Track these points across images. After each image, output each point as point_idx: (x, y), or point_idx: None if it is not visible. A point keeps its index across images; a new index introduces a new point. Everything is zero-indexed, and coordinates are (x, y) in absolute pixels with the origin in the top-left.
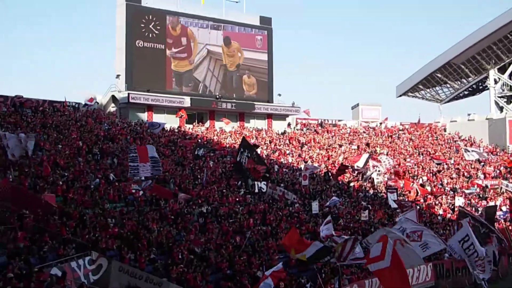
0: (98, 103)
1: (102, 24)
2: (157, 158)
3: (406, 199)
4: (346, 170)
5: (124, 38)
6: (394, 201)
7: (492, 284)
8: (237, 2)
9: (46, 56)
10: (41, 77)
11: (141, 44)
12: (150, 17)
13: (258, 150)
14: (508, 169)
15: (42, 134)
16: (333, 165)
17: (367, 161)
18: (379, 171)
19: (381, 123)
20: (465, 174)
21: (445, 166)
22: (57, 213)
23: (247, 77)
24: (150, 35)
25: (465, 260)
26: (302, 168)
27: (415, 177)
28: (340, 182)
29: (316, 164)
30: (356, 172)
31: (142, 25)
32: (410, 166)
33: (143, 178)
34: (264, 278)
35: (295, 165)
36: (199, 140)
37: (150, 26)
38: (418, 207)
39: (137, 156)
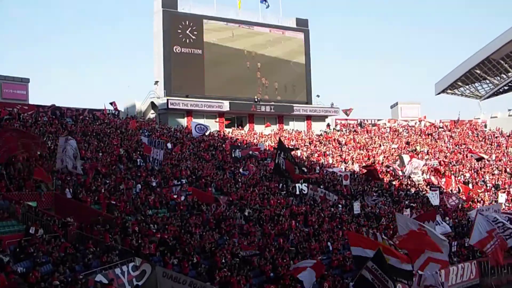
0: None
1: (139, 31)
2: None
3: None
4: (377, 170)
5: (162, 44)
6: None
7: None
8: (267, 7)
9: (85, 65)
10: (80, 86)
11: (178, 50)
12: (187, 23)
13: (298, 152)
14: None
15: (83, 142)
16: (373, 165)
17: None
18: (416, 169)
19: (420, 121)
20: (508, 170)
21: (487, 162)
22: (100, 220)
23: (284, 80)
24: (188, 41)
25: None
26: (343, 169)
27: (457, 175)
28: (381, 183)
29: (356, 166)
30: (395, 171)
31: (179, 30)
32: (451, 164)
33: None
34: (302, 269)
35: (335, 165)
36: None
37: (187, 32)
38: (460, 205)
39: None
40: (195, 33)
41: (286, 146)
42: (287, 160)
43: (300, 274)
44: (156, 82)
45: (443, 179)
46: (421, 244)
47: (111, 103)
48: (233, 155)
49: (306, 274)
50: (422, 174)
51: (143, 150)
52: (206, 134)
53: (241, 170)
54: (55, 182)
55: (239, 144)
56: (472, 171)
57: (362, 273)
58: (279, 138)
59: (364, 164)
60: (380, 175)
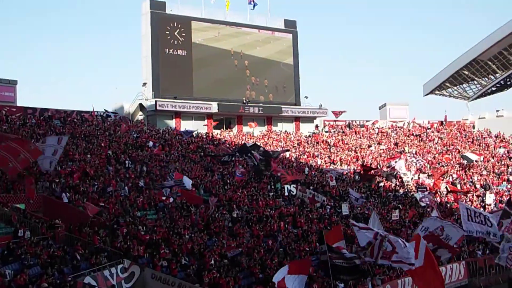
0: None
1: (127, 33)
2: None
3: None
4: (373, 172)
5: (150, 46)
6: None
7: None
8: (253, 8)
9: (73, 67)
10: (68, 88)
11: (166, 51)
12: (175, 24)
13: (287, 154)
14: None
15: (71, 144)
16: (362, 166)
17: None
18: (404, 171)
19: (410, 123)
20: (495, 170)
21: (475, 163)
22: (89, 222)
23: (272, 81)
24: (176, 42)
25: (486, 234)
26: (329, 170)
27: (445, 176)
28: (368, 184)
29: (345, 167)
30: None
31: (167, 32)
32: (440, 164)
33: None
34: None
35: (324, 167)
36: (227, 145)
37: (175, 33)
38: (448, 205)
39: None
40: (183, 34)
41: (247, 146)
42: (255, 154)
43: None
44: (144, 84)
45: (431, 180)
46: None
47: (114, 113)
48: (222, 159)
49: (290, 281)
50: (411, 175)
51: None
52: (194, 135)
53: (237, 172)
54: (43, 184)
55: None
56: (461, 171)
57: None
58: (242, 144)
59: (354, 167)
60: (375, 177)
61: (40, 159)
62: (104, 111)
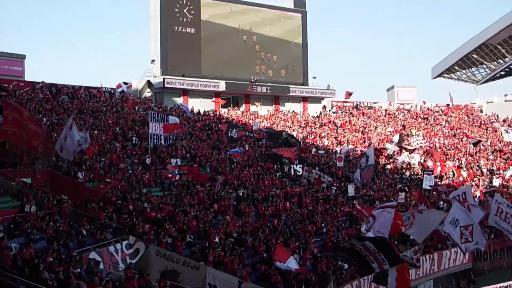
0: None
1: (136, 10)
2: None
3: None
4: (380, 153)
5: (159, 23)
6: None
7: None
8: None
9: (81, 43)
10: (76, 63)
11: (175, 29)
12: (184, 2)
13: (294, 133)
14: None
15: (79, 120)
16: (369, 147)
17: (399, 141)
18: (410, 153)
19: (417, 106)
20: (502, 155)
21: (482, 147)
22: (95, 198)
23: (281, 61)
24: (185, 20)
25: None
26: (338, 151)
27: (452, 159)
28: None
29: (351, 146)
30: (390, 155)
31: (176, 9)
32: (446, 148)
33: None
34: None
35: (330, 147)
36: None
37: (184, 11)
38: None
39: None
40: (193, 12)
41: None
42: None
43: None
44: (153, 61)
45: (438, 163)
46: None
47: (125, 83)
48: (229, 135)
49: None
50: (416, 157)
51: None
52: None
53: (237, 149)
54: (50, 159)
55: (235, 124)
56: (467, 155)
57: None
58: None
59: (361, 148)
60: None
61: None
62: (115, 87)
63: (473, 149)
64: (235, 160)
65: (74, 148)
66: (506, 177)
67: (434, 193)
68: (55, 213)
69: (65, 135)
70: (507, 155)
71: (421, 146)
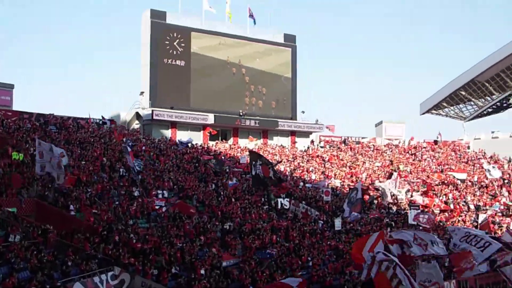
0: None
1: (127, 42)
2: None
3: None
4: (369, 189)
5: (149, 55)
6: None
7: None
8: (254, 24)
9: (70, 73)
10: (65, 94)
11: (165, 61)
12: (175, 34)
13: (282, 167)
14: None
15: (66, 150)
16: (356, 182)
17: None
18: (398, 189)
19: (405, 141)
20: (489, 191)
21: (469, 184)
22: (82, 229)
23: (270, 95)
24: (175, 52)
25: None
26: (326, 184)
27: (439, 195)
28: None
29: (338, 181)
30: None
31: (167, 42)
32: (434, 184)
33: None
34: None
35: (318, 182)
36: (222, 157)
37: (175, 43)
38: (441, 223)
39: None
40: (183, 45)
41: (259, 154)
42: (263, 166)
43: None
44: (142, 93)
45: (426, 199)
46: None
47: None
48: (214, 169)
49: None
50: (407, 192)
51: (125, 159)
52: (189, 145)
53: (230, 183)
54: (36, 189)
55: (223, 157)
56: (454, 191)
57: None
58: (249, 150)
59: (349, 182)
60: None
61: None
62: (101, 118)
63: (460, 184)
64: (222, 193)
65: (57, 161)
66: (488, 212)
67: (420, 227)
68: (40, 243)
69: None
70: (493, 191)
71: (410, 182)
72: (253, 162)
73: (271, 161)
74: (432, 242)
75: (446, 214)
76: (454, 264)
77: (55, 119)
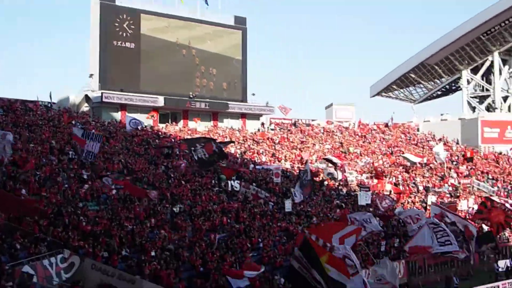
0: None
1: (76, 24)
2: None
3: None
4: (320, 171)
5: (98, 37)
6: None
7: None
8: (207, 6)
9: (18, 55)
10: (13, 76)
11: (115, 43)
12: (125, 16)
13: (232, 149)
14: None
15: (14, 133)
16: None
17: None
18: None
19: (354, 123)
20: (438, 173)
21: (418, 165)
22: (30, 211)
23: (220, 77)
24: (125, 34)
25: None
26: (273, 168)
27: (388, 176)
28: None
29: (288, 164)
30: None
31: (116, 24)
32: (384, 165)
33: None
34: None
35: (268, 164)
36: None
37: (124, 25)
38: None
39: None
40: (132, 27)
41: (195, 138)
42: (206, 145)
43: (232, 279)
44: (91, 75)
45: (375, 181)
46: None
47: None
48: (164, 152)
49: (239, 282)
50: (355, 174)
51: (74, 142)
52: (139, 128)
53: (182, 164)
54: None
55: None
56: (404, 173)
57: (291, 263)
58: (183, 139)
59: (299, 164)
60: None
61: None
62: (49, 100)
63: (409, 166)
64: (172, 175)
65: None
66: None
67: (371, 209)
68: None
69: None
70: (442, 173)
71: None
72: (192, 148)
73: (212, 137)
74: (365, 220)
75: (395, 195)
76: (410, 252)
77: (2, 101)
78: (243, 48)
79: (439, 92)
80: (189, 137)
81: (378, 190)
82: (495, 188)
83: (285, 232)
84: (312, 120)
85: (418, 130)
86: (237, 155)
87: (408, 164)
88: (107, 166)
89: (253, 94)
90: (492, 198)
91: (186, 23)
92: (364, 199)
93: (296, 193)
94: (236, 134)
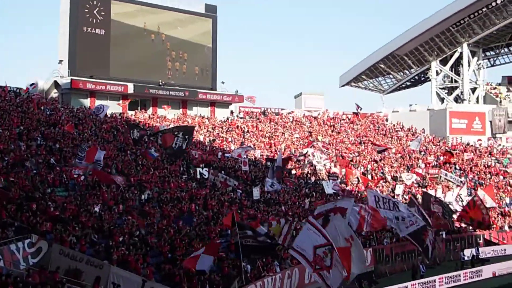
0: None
1: (45, 9)
2: (100, 162)
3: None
4: (290, 160)
5: (68, 23)
6: (333, 188)
7: (430, 269)
8: None
9: None
10: None
11: (84, 30)
12: (95, 2)
13: (201, 137)
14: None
15: None
16: (275, 152)
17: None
18: (318, 159)
19: (324, 113)
20: (406, 163)
21: (386, 155)
22: None
23: (191, 64)
24: (94, 21)
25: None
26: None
27: (357, 166)
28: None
29: (258, 153)
30: (297, 159)
31: (86, 10)
32: (352, 155)
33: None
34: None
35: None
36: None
37: (95, 12)
38: (359, 194)
39: (84, 156)
40: (103, 13)
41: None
42: (166, 134)
43: (197, 265)
44: (61, 61)
45: (343, 170)
46: None
47: (31, 84)
48: (132, 136)
49: (203, 261)
50: (324, 163)
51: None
52: (102, 115)
53: (152, 151)
54: None
55: (137, 124)
56: (373, 162)
57: (234, 242)
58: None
59: (268, 153)
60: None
61: None
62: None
63: (377, 156)
64: (140, 162)
65: None
66: (408, 183)
67: (338, 198)
68: None
69: None
70: (410, 163)
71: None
72: (176, 132)
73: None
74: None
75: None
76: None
77: None
78: (213, 36)
79: (408, 83)
80: (158, 124)
81: (347, 180)
82: (462, 179)
83: (253, 219)
84: (282, 109)
85: (387, 120)
86: (206, 143)
87: (378, 154)
88: (75, 152)
89: (223, 82)
90: (474, 198)
91: (156, 9)
92: (329, 187)
93: (274, 183)
94: (205, 122)
